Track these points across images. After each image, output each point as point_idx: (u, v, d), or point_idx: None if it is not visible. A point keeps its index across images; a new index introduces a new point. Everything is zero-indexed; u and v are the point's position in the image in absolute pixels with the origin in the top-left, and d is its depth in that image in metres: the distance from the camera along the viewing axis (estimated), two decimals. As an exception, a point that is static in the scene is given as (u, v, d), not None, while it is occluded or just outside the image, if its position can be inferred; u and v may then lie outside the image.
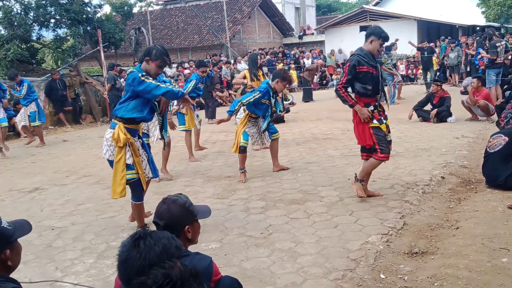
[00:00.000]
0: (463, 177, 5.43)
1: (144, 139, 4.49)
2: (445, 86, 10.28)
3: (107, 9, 16.69)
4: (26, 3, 13.61)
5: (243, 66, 17.02)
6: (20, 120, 9.88)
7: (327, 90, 18.10)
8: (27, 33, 13.73)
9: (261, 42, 27.01)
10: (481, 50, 12.82)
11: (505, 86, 10.91)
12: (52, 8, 13.73)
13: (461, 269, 3.13)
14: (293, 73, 17.73)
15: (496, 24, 22.67)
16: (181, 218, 2.23)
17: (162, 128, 4.82)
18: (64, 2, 13.78)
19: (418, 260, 3.40)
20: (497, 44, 10.95)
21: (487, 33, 12.21)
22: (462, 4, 25.57)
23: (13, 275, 1.97)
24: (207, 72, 7.41)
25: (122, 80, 12.71)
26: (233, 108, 5.69)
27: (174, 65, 17.25)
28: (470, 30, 23.93)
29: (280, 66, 18.18)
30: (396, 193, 4.87)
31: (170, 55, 4.16)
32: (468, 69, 15.65)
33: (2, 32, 13.68)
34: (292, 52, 22.77)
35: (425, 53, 15.17)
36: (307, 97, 15.19)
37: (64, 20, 13.81)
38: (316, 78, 19.09)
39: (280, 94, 6.09)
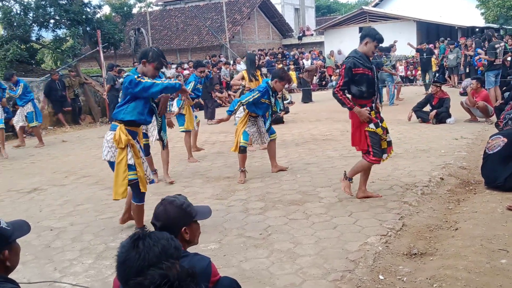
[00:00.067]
0: (462, 178, 5.44)
1: (143, 139, 4.49)
2: (444, 87, 10.30)
3: (106, 9, 16.68)
4: (25, 3, 13.61)
5: (242, 67, 17.01)
6: (18, 120, 9.87)
7: (326, 91, 18.09)
8: (27, 33, 13.73)
9: (261, 43, 27.02)
10: (479, 50, 12.84)
11: (504, 88, 10.92)
12: (52, 8, 13.73)
13: (460, 270, 3.13)
14: (293, 74, 17.72)
15: (495, 26, 22.66)
16: (177, 219, 2.23)
17: (161, 129, 4.82)
18: (64, 2, 13.78)
19: (417, 261, 3.40)
20: (496, 46, 10.96)
21: (486, 34, 12.20)
22: (462, 5, 25.59)
23: (11, 275, 1.97)
24: (206, 72, 7.42)
25: (121, 80, 12.70)
26: (233, 108, 5.69)
27: (174, 66, 17.25)
28: (469, 31, 23.95)
29: (279, 66, 18.19)
30: (395, 194, 4.87)
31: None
32: (467, 70, 15.65)
33: (2, 32, 13.67)
34: (292, 53, 22.77)
35: (424, 54, 15.18)
36: (307, 98, 15.20)
37: (63, 20, 13.81)
38: (315, 79, 19.10)
39: (279, 94, 6.10)
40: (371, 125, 4.51)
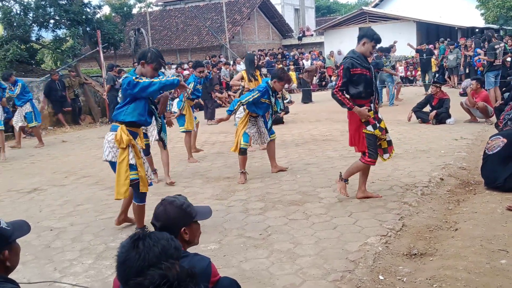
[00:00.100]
0: (462, 178, 5.44)
1: (144, 139, 4.50)
2: (444, 88, 10.30)
3: (106, 10, 16.68)
4: (25, 3, 13.61)
5: (242, 67, 17.01)
6: (17, 121, 9.87)
7: (326, 92, 18.09)
8: (27, 33, 13.73)
9: (261, 43, 27.03)
10: (479, 50, 12.83)
11: (504, 88, 10.93)
12: (52, 8, 13.73)
13: (460, 270, 3.13)
14: (293, 75, 17.73)
15: (495, 26, 22.67)
16: (177, 219, 2.23)
17: (161, 130, 4.83)
18: (64, 2, 13.77)
19: (417, 262, 3.41)
20: (496, 46, 10.96)
21: (486, 35, 12.20)
22: (461, 6, 25.60)
23: (11, 275, 1.97)
24: (205, 73, 7.42)
25: (121, 80, 12.69)
26: (232, 107, 5.70)
27: (174, 66, 17.25)
28: (469, 32, 23.95)
29: (279, 66, 18.19)
30: (395, 194, 4.87)
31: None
32: (467, 70, 15.67)
33: (2, 32, 13.66)
34: (292, 54, 22.78)
35: (424, 55, 15.19)
36: (306, 99, 15.20)
37: (63, 20, 13.80)
38: (315, 80, 19.11)
39: (279, 93, 6.10)
40: (369, 127, 4.53)
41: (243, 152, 5.80)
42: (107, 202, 5.39)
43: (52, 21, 14.10)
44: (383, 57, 12.73)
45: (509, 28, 23.39)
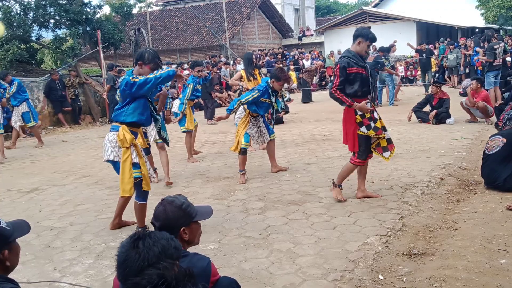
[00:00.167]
0: (462, 178, 5.44)
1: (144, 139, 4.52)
2: (444, 88, 10.30)
3: (106, 9, 16.67)
4: (25, 3, 13.61)
5: (242, 67, 17.03)
6: (15, 121, 9.86)
7: (326, 91, 18.07)
8: (27, 33, 13.72)
9: (261, 43, 27.04)
10: (478, 49, 12.82)
11: (504, 88, 10.92)
12: (52, 8, 13.72)
13: (459, 270, 3.13)
14: (293, 74, 17.74)
15: (495, 26, 22.68)
16: (176, 219, 2.23)
17: (161, 129, 4.83)
18: (64, 2, 13.77)
19: (416, 261, 3.41)
20: (495, 46, 10.96)
21: (486, 34, 12.19)
22: (461, 5, 25.61)
23: (11, 275, 1.97)
24: (204, 73, 7.42)
25: (120, 80, 12.69)
26: (232, 106, 5.70)
27: (174, 66, 17.24)
28: (469, 31, 23.97)
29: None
30: (395, 194, 4.87)
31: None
32: (467, 70, 15.67)
33: (3, 32, 13.66)
34: (292, 53, 22.80)
35: (424, 55, 15.19)
36: (306, 98, 15.20)
37: (63, 20, 13.80)
38: (315, 79, 19.11)
39: (279, 92, 6.10)
40: (363, 129, 4.53)
41: (243, 152, 5.80)
42: (107, 202, 5.40)
43: (52, 21, 14.09)
44: (383, 57, 12.74)
45: (509, 28, 23.40)
